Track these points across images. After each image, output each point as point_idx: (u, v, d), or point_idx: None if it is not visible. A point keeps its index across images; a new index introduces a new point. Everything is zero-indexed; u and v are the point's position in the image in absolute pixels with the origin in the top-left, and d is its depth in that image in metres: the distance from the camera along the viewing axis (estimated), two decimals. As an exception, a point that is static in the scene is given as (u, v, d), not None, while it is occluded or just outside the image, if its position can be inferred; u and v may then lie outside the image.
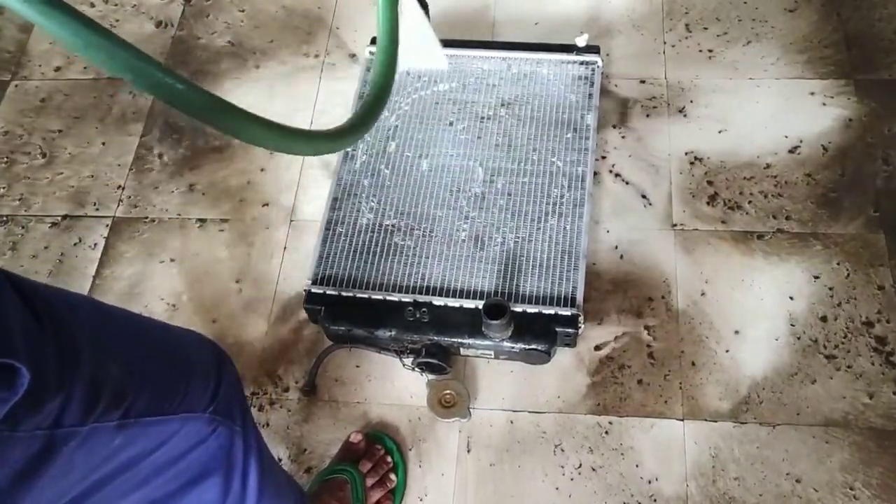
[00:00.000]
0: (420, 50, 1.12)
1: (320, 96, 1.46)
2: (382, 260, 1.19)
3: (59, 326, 0.56)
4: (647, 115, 1.38)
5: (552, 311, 1.13)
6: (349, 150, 1.29)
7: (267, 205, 1.38)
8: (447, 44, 1.38)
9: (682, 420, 1.13)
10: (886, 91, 1.36)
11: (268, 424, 1.19)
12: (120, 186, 1.43)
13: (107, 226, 1.39)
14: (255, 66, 1.53)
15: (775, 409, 1.13)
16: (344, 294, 1.17)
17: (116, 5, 1.65)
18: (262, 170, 1.41)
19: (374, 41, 1.41)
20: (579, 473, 1.11)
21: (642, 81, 1.42)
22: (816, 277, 1.21)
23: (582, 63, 1.34)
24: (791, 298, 1.20)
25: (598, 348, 1.19)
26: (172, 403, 0.69)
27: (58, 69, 1.58)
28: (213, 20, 1.60)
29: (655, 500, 1.08)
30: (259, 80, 1.51)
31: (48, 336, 0.54)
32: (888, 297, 1.19)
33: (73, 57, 1.58)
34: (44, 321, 0.54)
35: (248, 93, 1.49)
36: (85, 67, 1.57)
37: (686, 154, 1.33)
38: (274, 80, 1.50)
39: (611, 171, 1.33)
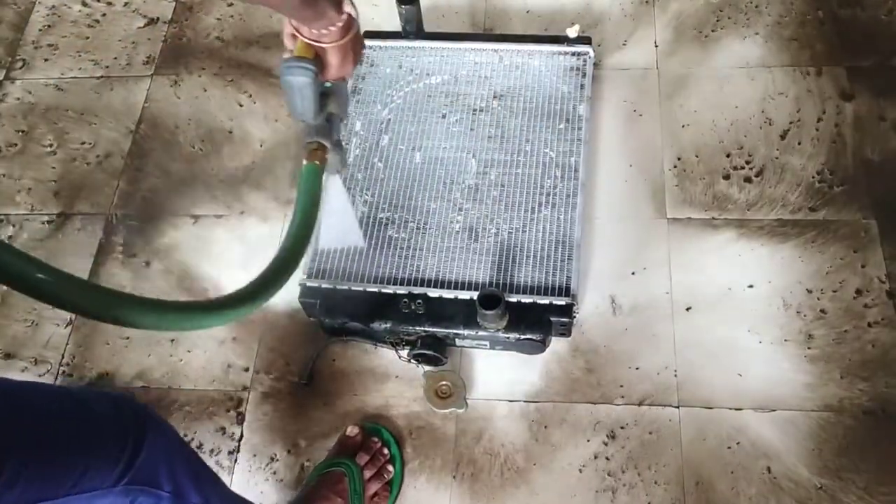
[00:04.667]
0: (341, 232, 1.17)
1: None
2: (377, 253, 1.20)
3: None
4: (639, 104, 1.38)
5: (547, 301, 1.13)
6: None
7: (260, 199, 1.37)
8: (440, 36, 1.39)
9: (678, 407, 1.14)
10: (877, 77, 1.36)
11: (265, 418, 1.19)
12: (115, 184, 1.43)
13: (101, 223, 1.39)
14: (246, 62, 1.53)
15: (770, 394, 1.13)
16: (339, 287, 1.17)
17: (109, 3, 1.64)
18: (252, 162, 1.41)
19: (365, 35, 1.40)
20: (576, 461, 1.12)
21: (634, 70, 1.42)
22: (811, 263, 1.21)
23: (573, 54, 1.34)
24: (785, 285, 1.20)
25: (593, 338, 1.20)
26: (64, 486, 0.68)
27: (50, 68, 1.58)
28: (204, 16, 1.59)
29: (655, 484, 1.09)
30: (250, 76, 1.51)
31: None
32: (880, 281, 1.19)
33: (65, 57, 1.58)
34: None
35: (239, 89, 1.49)
36: (80, 67, 1.57)
37: (679, 142, 1.34)
38: (265, 75, 1.50)
39: (604, 161, 1.33)
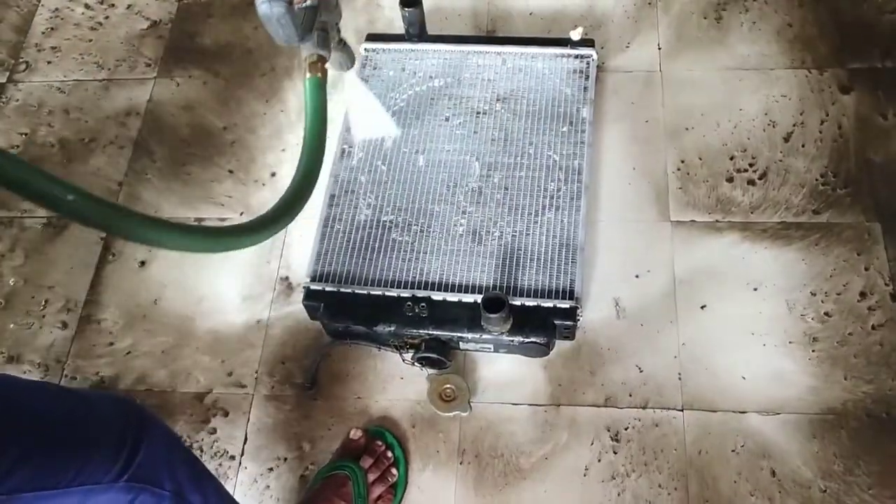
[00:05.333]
0: (370, 121, 1.23)
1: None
2: (381, 256, 1.20)
3: None
4: (643, 107, 1.38)
5: (550, 304, 1.13)
6: (345, 146, 1.29)
7: (261, 200, 1.37)
8: (443, 39, 1.39)
9: (682, 410, 1.14)
10: (880, 79, 1.36)
11: (269, 421, 1.19)
12: (116, 187, 1.43)
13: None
14: (249, 63, 1.53)
15: (774, 397, 1.13)
16: (343, 290, 1.17)
17: (112, 5, 1.64)
18: (254, 164, 1.41)
19: (369, 38, 1.41)
20: (581, 462, 1.12)
21: (637, 73, 1.42)
22: (815, 266, 1.21)
23: (577, 57, 1.34)
24: (789, 287, 1.20)
25: (597, 340, 1.20)
26: (64, 478, 0.70)
27: (53, 70, 1.58)
28: (206, 18, 1.59)
29: (659, 486, 1.09)
30: (253, 77, 1.51)
31: None
32: (884, 283, 1.19)
33: (68, 59, 1.58)
34: None
35: (243, 91, 1.49)
36: (82, 70, 1.57)
37: (682, 145, 1.34)
38: (269, 76, 1.50)
39: (607, 164, 1.33)
